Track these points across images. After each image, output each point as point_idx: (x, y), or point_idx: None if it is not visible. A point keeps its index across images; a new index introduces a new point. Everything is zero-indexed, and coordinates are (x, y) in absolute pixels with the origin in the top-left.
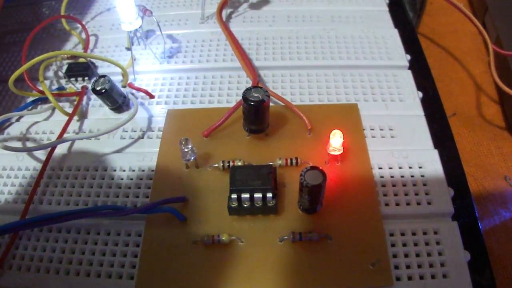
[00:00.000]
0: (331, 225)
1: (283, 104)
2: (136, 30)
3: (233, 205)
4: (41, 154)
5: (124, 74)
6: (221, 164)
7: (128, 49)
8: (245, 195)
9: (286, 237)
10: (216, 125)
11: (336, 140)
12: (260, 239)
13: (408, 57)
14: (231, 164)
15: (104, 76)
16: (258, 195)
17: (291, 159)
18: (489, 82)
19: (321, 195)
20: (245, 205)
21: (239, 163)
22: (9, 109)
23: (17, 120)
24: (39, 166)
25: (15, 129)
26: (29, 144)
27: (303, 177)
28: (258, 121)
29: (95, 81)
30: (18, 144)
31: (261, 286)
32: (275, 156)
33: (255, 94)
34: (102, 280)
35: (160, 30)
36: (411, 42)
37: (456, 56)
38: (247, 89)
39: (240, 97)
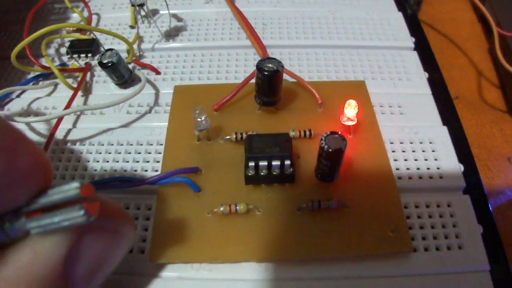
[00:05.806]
0: (348, 194)
1: (292, 80)
2: (141, 7)
3: (250, 174)
4: (45, 129)
5: (130, 50)
6: (234, 136)
7: (132, 27)
8: (263, 163)
9: (304, 205)
10: (227, 98)
11: (350, 110)
12: (277, 208)
13: (413, 39)
14: (244, 135)
15: (111, 49)
16: (276, 162)
17: (305, 131)
18: (489, 68)
19: (341, 160)
20: (262, 173)
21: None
22: (8, 86)
23: (18, 96)
24: (43, 141)
25: (16, 105)
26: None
27: (324, 141)
28: (271, 92)
29: (102, 54)
30: (21, 119)
31: (281, 254)
32: (288, 129)
33: (269, 65)
34: None
35: (167, 7)
36: (413, 28)
37: (456, 43)
38: (261, 60)
39: (248, 74)
